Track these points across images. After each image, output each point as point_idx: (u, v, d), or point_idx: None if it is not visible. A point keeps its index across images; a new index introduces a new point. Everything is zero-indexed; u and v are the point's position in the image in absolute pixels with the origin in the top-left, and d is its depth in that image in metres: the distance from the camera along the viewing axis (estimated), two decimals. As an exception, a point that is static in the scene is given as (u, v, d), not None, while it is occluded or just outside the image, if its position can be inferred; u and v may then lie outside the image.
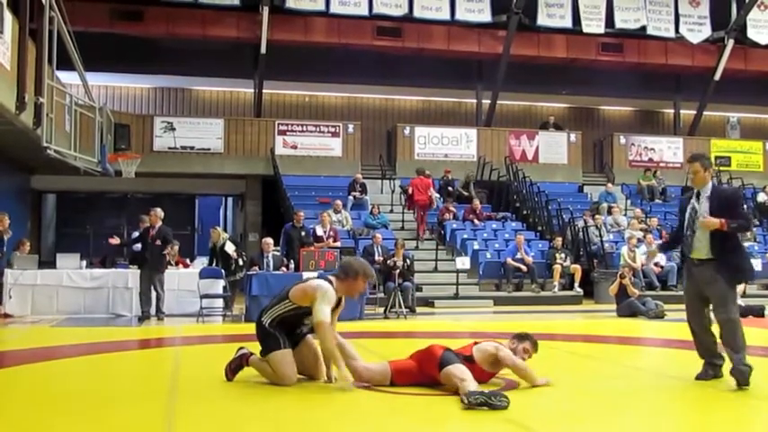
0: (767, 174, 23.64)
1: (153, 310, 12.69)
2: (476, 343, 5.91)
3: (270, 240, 13.78)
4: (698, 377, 6.13)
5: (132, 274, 13.28)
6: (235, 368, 6.08)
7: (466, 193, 20.11)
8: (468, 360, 5.65)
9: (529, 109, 25.70)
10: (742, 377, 5.72)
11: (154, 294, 12.72)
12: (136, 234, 14.01)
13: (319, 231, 15.31)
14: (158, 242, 12.69)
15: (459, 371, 5.36)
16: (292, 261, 13.37)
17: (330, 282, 5.88)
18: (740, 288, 13.56)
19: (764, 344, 9.27)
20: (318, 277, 6.10)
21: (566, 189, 21.96)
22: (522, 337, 6.09)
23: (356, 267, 5.97)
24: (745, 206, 6.94)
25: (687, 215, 6.16)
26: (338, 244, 15.18)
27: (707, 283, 5.99)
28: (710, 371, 6.13)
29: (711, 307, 6.10)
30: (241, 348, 6.21)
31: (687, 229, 6.11)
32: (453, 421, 4.81)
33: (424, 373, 5.58)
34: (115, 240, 13.66)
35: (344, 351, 5.77)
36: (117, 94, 23.33)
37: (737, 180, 22.17)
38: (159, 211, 12.98)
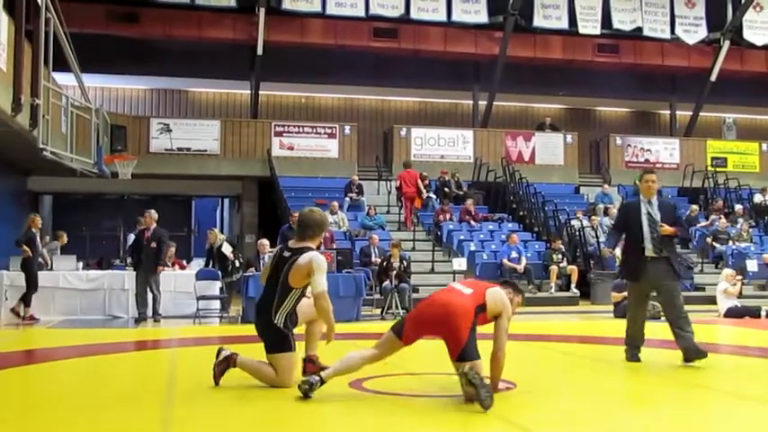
0: (763, 174, 23.65)
1: (150, 312, 12.69)
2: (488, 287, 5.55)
3: (266, 242, 13.78)
4: (630, 359, 7.22)
5: (129, 276, 13.27)
6: (222, 370, 5.88)
7: (461, 193, 20.15)
8: (482, 309, 5.38)
9: (525, 110, 25.73)
10: (701, 354, 6.94)
11: (150, 296, 12.71)
12: (132, 237, 14.03)
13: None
14: (154, 244, 12.68)
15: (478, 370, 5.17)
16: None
17: (313, 249, 5.80)
18: (736, 289, 13.66)
19: (762, 345, 9.30)
20: (299, 252, 5.79)
21: (562, 190, 21.97)
22: (518, 289, 5.84)
23: (320, 222, 5.94)
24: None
25: (646, 220, 7.19)
26: (335, 245, 15.16)
27: (663, 276, 7.14)
28: (637, 354, 7.25)
29: (661, 297, 7.29)
30: (222, 350, 5.96)
31: (652, 232, 7.15)
32: (451, 423, 4.81)
33: (436, 333, 5.32)
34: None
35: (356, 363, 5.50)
36: (113, 96, 23.31)
37: (734, 181, 22.20)
38: (153, 213, 12.98)
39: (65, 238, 14.93)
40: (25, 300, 12.62)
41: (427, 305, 5.43)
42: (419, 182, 19.10)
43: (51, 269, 13.83)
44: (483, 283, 5.60)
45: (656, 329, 11.12)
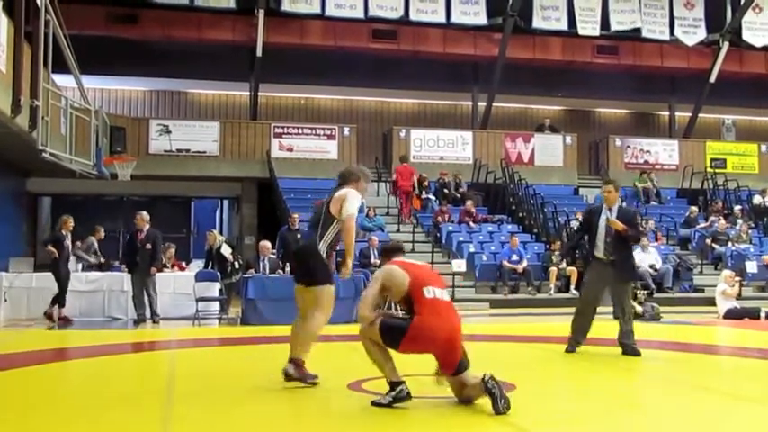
0: (762, 176, 23.64)
1: (147, 313, 12.68)
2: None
3: (267, 244, 13.77)
4: (568, 351, 7.88)
5: (128, 278, 13.24)
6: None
7: (458, 195, 20.18)
8: None
9: (525, 111, 25.73)
10: (635, 352, 7.65)
11: (147, 297, 12.70)
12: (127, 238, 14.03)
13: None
14: (149, 245, 12.69)
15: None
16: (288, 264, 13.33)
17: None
18: (735, 290, 13.66)
19: (761, 346, 9.30)
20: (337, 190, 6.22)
21: (561, 191, 21.97)
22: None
23: (356, 171, 6.35)
24: (640, 222, 9.06)
25: (603, 226, 7.82)
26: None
27: (611, 278, 7.79)
28: (575, 346, 7.91)
29: (612, 297, 7.97)
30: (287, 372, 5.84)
31: (607, 237, 7.79)
32: (450, 424, 4.81)
33: (435, 353, 5.20)
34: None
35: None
36: (112, 97, 23.30)
37: (733, 182, 22.20)
38: (145, 215, 12.99)
39: (101, 233, 14.90)
40: (59, 301, 12.66)
41: (439, 329, 5.11)
42: (414, 177, 19.29)
43: (102, 266, 14.36)
44: (438, 276, 5.57)
45: (656, 331, 11.14)
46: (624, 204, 8.88)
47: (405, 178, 19.18)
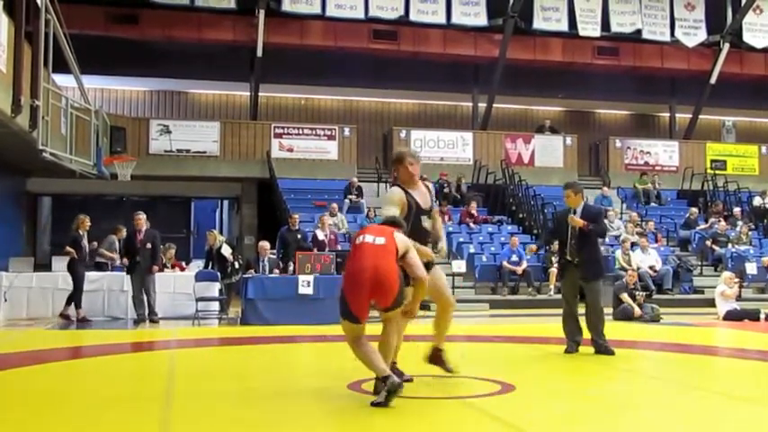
0: (762, 177, 23.65)
1: (146, 313, 12.67)
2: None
3: (266, 244, 13.76)
4: (567, 351, 8.01)
5: (128, 278, 13.24)
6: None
7: (459, 196, 20.17)
8: (400, 257, 5.43)
9: (525, 112, 25.73)
10: (607, 351, 7.81)
11: (146, 297, 12.70)
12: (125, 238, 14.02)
13: (321, 236, 15.25)
14: (148, 245, 12.70)
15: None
16: (289, 264, 13.31)
17: (397, 185, 6.01)
18: (733, 291, 13.66)
19: (760, 347, 9.30)
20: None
21: (561, 192, 21.88)
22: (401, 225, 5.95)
23: (397, 156, 6.09)
24: (605, 219, 9.30)
25: (570, 228, 8.07)
26: (339, 247, 15.13)
27: (581, 279, 8.00)
28: (575, 346, 8.03)
29: (584, 296, 8.05)
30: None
31: (572, 239, 8.04)
32: (447, 424, 4.81)
33: (372, 297, 5.26)
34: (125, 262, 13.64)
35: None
36: (113, 97, 23.30)
37: (733, 184, 22.20)
38: (143, 215, 13.01)
39: (123, 232, 14.91)
40: (75, 302, 12.70)
41: (360, 272, 5.20)
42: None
43: (110, 267, 14.44)
44: (385, 228, 5.52)
45: (656, 332, 11.17)
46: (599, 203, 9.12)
47: None
